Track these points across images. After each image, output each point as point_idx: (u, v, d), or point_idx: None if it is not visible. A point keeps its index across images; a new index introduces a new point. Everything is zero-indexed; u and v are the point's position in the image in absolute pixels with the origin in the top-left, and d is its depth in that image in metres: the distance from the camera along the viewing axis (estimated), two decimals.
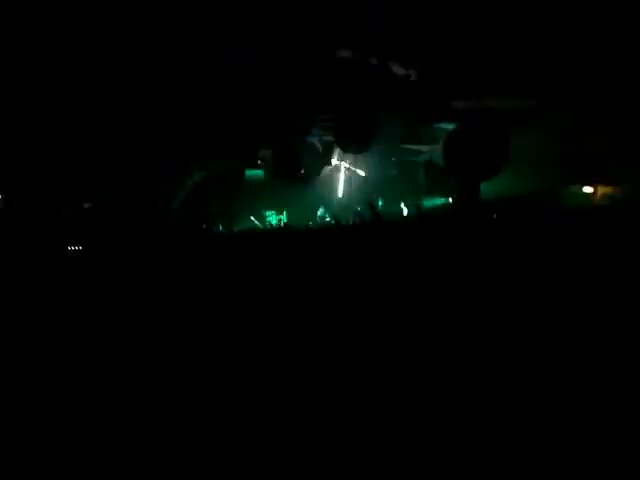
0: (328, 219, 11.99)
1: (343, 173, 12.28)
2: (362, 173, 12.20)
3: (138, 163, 9.81)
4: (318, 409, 2.75)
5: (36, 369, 3.46)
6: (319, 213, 12.35)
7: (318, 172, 11.52)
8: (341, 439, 2.49)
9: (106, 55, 8.13)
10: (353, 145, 10.34)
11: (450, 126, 9.88)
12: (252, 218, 12.45)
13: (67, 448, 2.55)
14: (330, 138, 11.12)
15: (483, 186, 9.41)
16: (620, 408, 2.52)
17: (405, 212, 11.48)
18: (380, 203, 11.90)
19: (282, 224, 12.24)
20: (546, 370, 2.92)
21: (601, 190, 9.54)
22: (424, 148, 10.71)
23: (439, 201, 10.41)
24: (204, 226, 10.38)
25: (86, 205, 10.36)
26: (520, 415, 2.55)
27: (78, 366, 3.52)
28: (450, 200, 10.23)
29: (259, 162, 11.77)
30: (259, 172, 11.86)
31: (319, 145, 11.44)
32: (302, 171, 11.12)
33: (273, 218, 12.65)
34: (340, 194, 12.34)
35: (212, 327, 3.87)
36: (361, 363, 3.24)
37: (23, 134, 8.96)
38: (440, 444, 2.41)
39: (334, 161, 12.19)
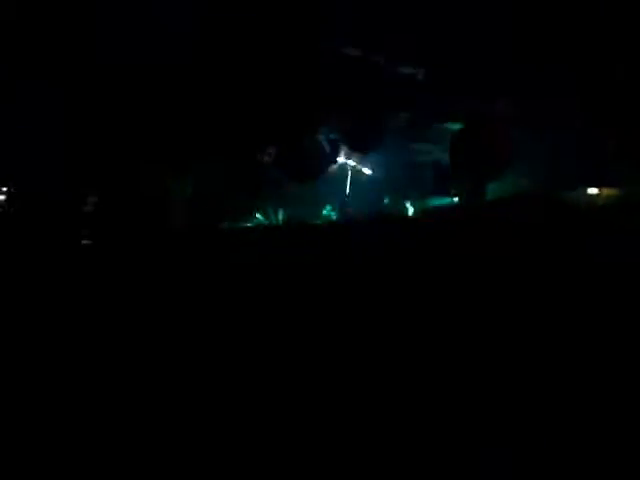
0: (334, 217, 12.08)
1: (349, 172, 12.36)
2: (368, 172, 12.28)
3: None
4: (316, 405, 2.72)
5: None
6: (325, 212, 12.44)
7: (325, 170, 11.58)
8: (340, 437, 2.47)
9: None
10: (361, 144, 10.41)
11: (457, 126, 9.95)
12: (258, 215, 12.54)
13: (65, 443, 2.51)
14: (337, 136, 11.19)
15: (490, 187, 9.50)
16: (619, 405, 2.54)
17: (410, 211, 11.57)
18: (386, 202, 11.99)
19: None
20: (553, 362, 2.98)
21: (606, 192, 9.62)
22: (431, 148, 10.79)
23: (445, 201, 10.50)
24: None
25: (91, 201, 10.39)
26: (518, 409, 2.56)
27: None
28: (456, 200, 10.32)
29: (266, 160, 11.85)
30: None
31: (326, 143, 11.51)
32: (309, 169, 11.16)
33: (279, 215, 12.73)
34: (346, 192, 12.42)
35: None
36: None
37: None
38: (439, 441, 2.41)
39: (340, 159, 12.27)
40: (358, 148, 10.90)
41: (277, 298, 4.15)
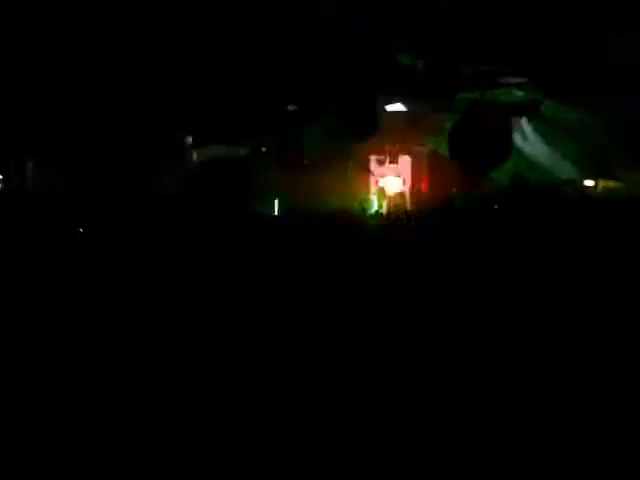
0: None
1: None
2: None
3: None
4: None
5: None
6: None
7: (323, 160, 11.52)
8: (340, 436, 2.44)
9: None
10: (359, 132, 10.38)
11: (455, 117, 9.96)
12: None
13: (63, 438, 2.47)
14: (336, 125, 11.12)
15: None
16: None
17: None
18: None
19: None
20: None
21: (601, 183, 9.72)
22: (429, 138, 10.78)
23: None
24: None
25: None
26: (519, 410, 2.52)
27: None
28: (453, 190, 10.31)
29: (263, 150, 11.76)
30: None
31: (325, 132, 11.44)
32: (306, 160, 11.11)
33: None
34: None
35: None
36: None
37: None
38: (440, 442, 2.39)
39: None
40: (356, 137, 10.84)
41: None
